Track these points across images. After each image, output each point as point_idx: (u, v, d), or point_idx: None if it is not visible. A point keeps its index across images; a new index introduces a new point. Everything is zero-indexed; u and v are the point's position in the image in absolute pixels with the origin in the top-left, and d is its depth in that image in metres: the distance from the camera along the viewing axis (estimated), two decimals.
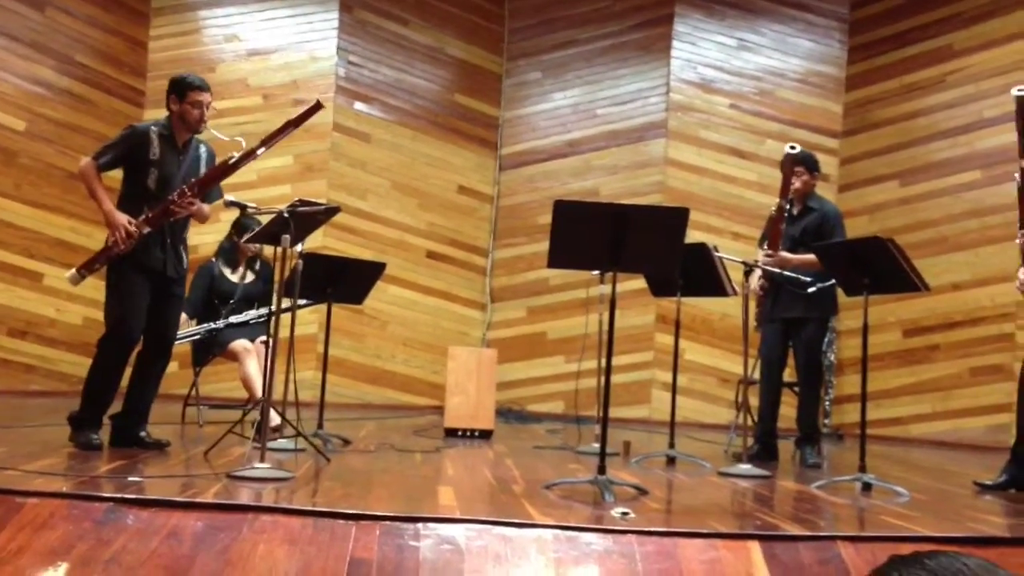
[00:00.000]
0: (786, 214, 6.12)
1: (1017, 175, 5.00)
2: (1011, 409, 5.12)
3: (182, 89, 4.98)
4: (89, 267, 4.87)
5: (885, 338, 8.97)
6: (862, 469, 4.83)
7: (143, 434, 5.01)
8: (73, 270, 4.91)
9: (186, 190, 4.88)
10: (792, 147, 6.00)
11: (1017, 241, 5.02)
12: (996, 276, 8.24)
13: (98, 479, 3.80)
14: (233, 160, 4.99)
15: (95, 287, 4.95)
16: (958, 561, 0.99)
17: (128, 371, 5.05)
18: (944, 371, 8.81)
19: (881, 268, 4.86)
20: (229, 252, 6.70)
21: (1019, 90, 5.02)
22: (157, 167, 4.91)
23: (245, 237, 6.35)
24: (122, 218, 4.77)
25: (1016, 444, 5.03)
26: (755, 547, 3.17)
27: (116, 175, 5.01)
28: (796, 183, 6.13)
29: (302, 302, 6.20)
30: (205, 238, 8.50)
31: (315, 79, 9.72)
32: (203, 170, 5.09)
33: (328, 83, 9.69)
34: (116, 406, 5.02)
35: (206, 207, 5.06)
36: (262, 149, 5.03)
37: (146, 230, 4.81)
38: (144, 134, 4.93)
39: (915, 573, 0.99)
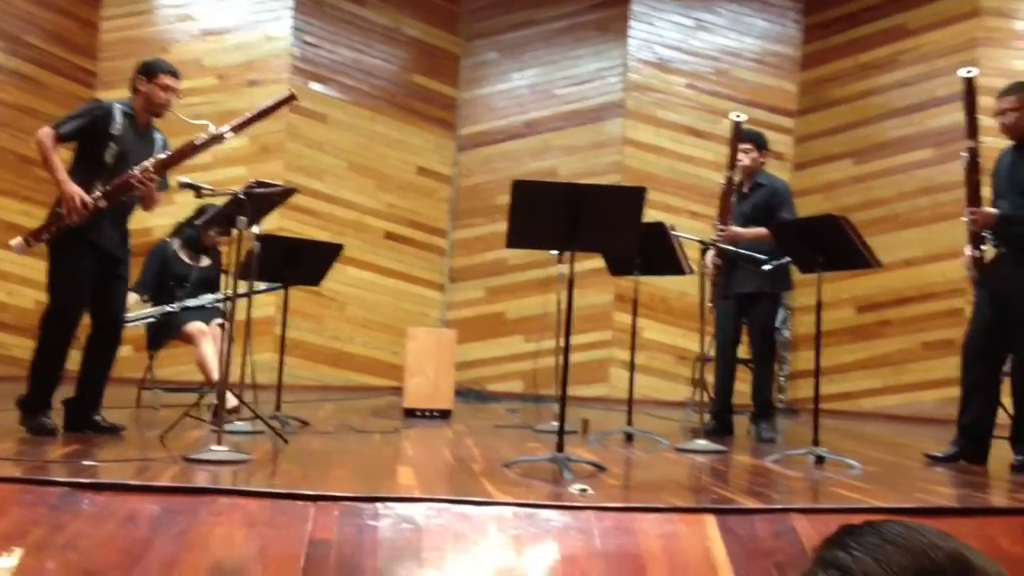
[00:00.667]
0: (737, 191, 6.19)
1: (965, 154, 5.09)
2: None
3: (153, 70, 4.92)
4: (37, 236, 4.73)
5: (838, 314, 9.08)
6: (815, 443, 4.90)
7: (98, 418, 4.96)
8: (19, 238, 4.76)
9: (148, 167, 4.82)
10: (737, 115, 6.06)
11: (964, 219, 5.11)
12: (947, 252, 8.36)
13: (52, 463, 3.77)
14: (200, 142, 4.93)
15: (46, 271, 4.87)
16: (913, 530, 1.00)
17: (79, 355, 4.99)
18: (896, 346, 8.94)
19: (834, 246, 4.92)
20: (193, 239, 6.61)
21: (967, 71, 5.10)
22: (117, 143, 4.82)
23: (203, 220, 6.30)
24: (77, 189, 4.66)
25: (960, 416, 5.13)
26: (711, 521, 3.21)
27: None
28: (745, 160, 6.20)
29: (261, 287, 6.16)
30: (160, 220, 8.39)
31: (270, 59, 9.63)
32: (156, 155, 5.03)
33: (284, 63, 9.60)
34: (69, 390, 4.96)
35: (158, 195, 5.00)
36: (230, 134, 4.98)
37: (102, 204, 4.73)
38: (109, 108, 4.85)
39: (868, 541, 1.00)
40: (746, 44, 10.01)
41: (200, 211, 6.50)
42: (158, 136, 5.09)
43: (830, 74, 9.76)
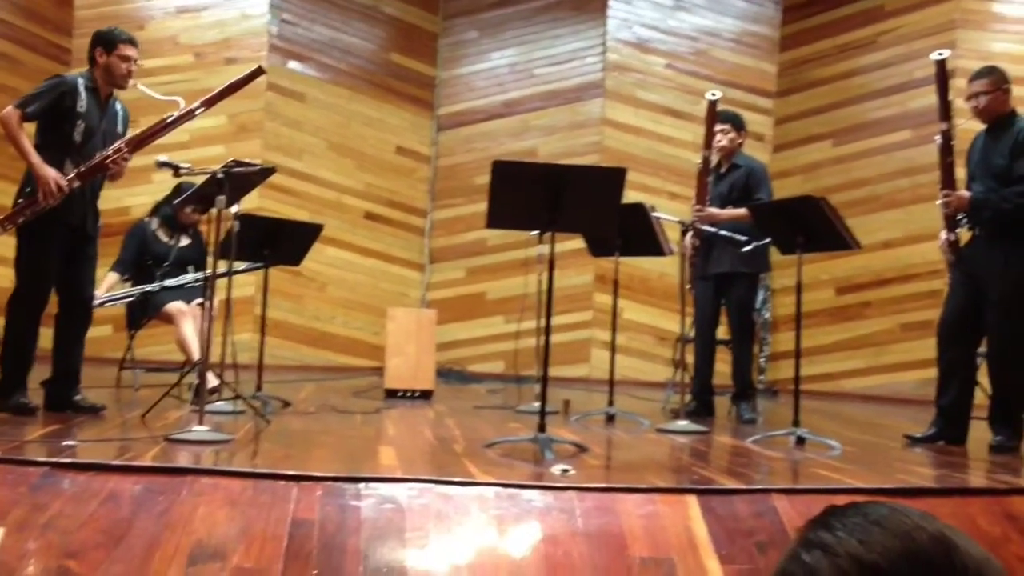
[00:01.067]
0: (712, 173, 6.21)
1: (938, 137, 5.12)
2: None
3: (111, 41, 4.85)
4: (12, 220, 4.68)
5: (819, 295, 9.12)
6: (796, 424, 4.93)
7: (77, 398, 4.93)
8: None
9: (123, 147, 4.77)
10: (713, 94, 6.06)
11: (938, 202, 5.15)
12: (927, 234, 8.37)
13: (32, 443, 3.75)
14: (171, 118, 4.89)
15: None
16: (897, 511, 1.01)
17: (51, 335, 4.95)
18: (876, 327, 8.99)
19: (814, 227, 4.94)
20: (171, 218, 6.57)
21: (938, 54, 5.13)
22: (85, 120, 4.77)
23: (179, 199, 6.26)
24: (52, 172, 4.61)
25: (938, 397, 5.18)
26: (692, 501, 3.23)
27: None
28: (723, 141, 6.21)
29: (241, 266, 6.13)
30: (138, 199, 8.34)
31: (247, 37, 9.54)
32: (119, 128, 4.99)
33: (261, 42, 9.52)
34: (45, 371, 4.93)
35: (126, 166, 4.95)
36: (201, 109, 4.94)
37: (76, 184, 4.69)
38: (73, 84, 4.78)
39: (853, 522, 1.01)
40: (725, 24, 9.99)
41: (177, 190, 6.47)
42: (119, 107, 5.04)
43: (809, 55, 9.76)
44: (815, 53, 9.71)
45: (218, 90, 4.96)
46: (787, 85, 9.85)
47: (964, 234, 5.17)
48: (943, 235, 5.17)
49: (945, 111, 5.08)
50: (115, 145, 4.78)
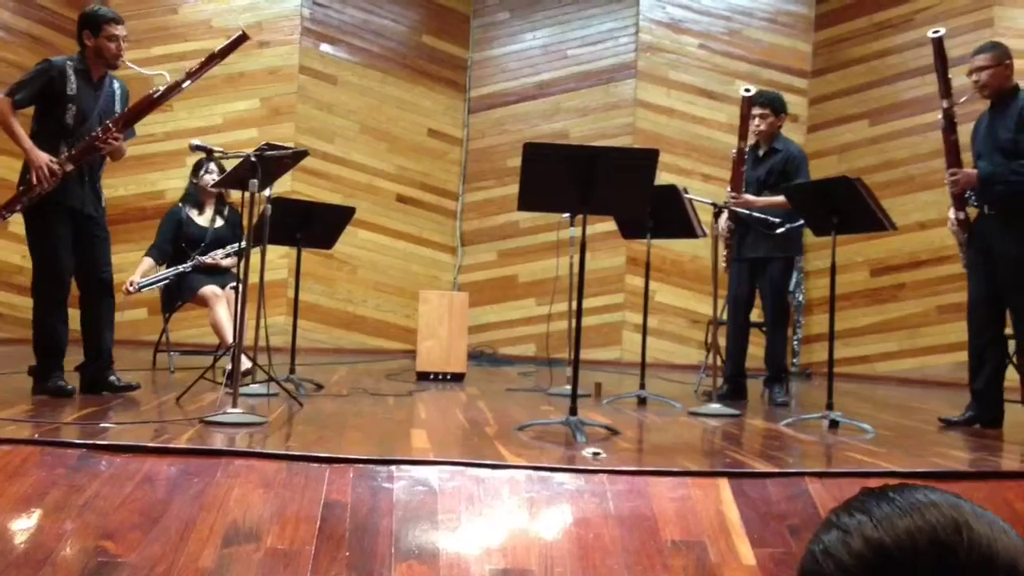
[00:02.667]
0: (750, 155, 6.18)
1: (940, 116, 5.10)
2: None
3: (97, 23, 4.84)
4: (10, 208, 4.72)
5: (853, 277, 9.05)
6: (829, 407, 4.90)
7: (113, 378, 4.99)
8: None
9: (111, 126, 4.79)
10: (747, 90, 6.02)
11: (945, 181, 5.11)
12: None
13: (69, 425, 3.80)
14: (158, 94, 4.89)
15: None
16: (924, 495, 1.00)
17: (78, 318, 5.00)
18: (911, 309, 8.91)
19: (849, 208, 4.90)
20: (193, 195, 6.65)
21: (934, 32, 5.10)
22: (75, 103, 4.78)
23: (212, 180, 6.30)
24: (44, 156, 4.64)
25: (971, 380, 5.14)
26: (724, 484, 3.22)
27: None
28: (761, 125, 6.16)
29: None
30: (172, 183, 8.41)
31: (280, 20, 9.56)
32: (117, 106, 4.99)
33: (293, 24, 9.54)
34: (79, 356, 4.99)
35: (124, 145, 4.97)
36: (187, 82, 4.93)
37: (69, 167, 4.71)
38: (61, 68, 4.78)
39: (874, 502, 1.01)
40: (759, 3, 9.89)
41: (196, 167, 6.55)
42: (116, 86, 5.04)
43: (845, 34, 9.65)
44: (850, 32, 9.60)
45: (202, 61, 4.93)
46: (822, 65, 9.75)
47: (972, 212, 5.14)
48: (951, 215, 5.16)
49: (946, 88, 5.08)
50: (104, 124, 4.79)
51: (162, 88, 4.87)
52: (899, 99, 9.16)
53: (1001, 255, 4.92)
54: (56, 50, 9.01)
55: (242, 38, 4.94)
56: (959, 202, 5.10)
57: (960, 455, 4.16)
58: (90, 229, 4.91)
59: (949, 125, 5.07)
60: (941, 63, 5.06)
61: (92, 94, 4.88)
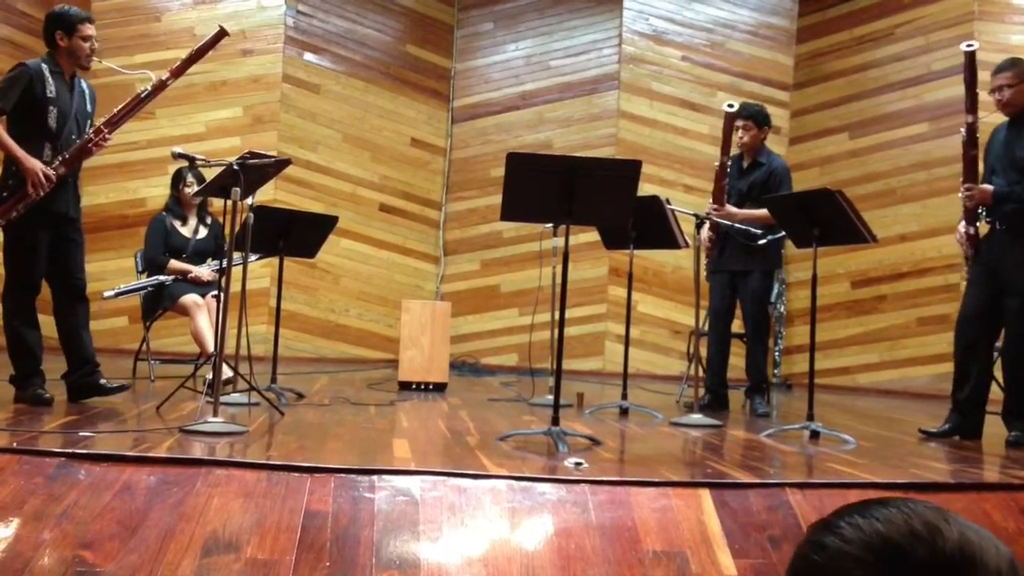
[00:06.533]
0: (735, 166, 6.20)
1: (963, 130, 5.07)
2: None
3: (71, 23, 4.82)
4: (5, 215, 4.67)
5: (834, 289, 9.09)
6: (810, 418, 4.92)
7: (103, 381, 4.96)
8: None
9: (103, 128, 4.77)
10: (730, 105, 6.03)
11: (960, 195, 5.10)
12: (943, 227, 8.35)
13: (49, 434, 3.77)
14: (145, 94, 4.89)
15: None
16: (906, 507, 1.01)
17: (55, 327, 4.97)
18: (891, 321, 8.96)
19: (830, 220, 4.92)
20: (175, 205, 6.63)
21: (967, 45, 5.06)
22: (56, 104, 4.75)
23: (195, 190, 6.28)
24: (38, 164, 4.61)
25: (954, 392, 5.15)
26: (706, 495, 3.23)
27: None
28: (745, 137, 6.19)
29: (253, 257, 6.14)
30: (153, 191, 8.38)
31: (263, 29, 9.54)
32: (88, 107, 4.97)
33: (277, 33, 9.52)
34: (61, 365, 4.96)
35: None
36: (171, 80, 4.96)
37: (62, 171, 4.69)
38: (38, 71, 4.74)
39: (850, 514, 1.02)
40: (741, 16, 9.94)
41: (176, 176, 6.54)
42: (85, 86, 5.02)
43: (826, 47, 9.71)
44: (832, 45, 9.67)
45: (183, 58, 4.96)
46: (803, 77, 9.81)
47: (983, 228, 5.14)
48: (961, 228, 5.13)
49: (972, 103, 4.99)
50: (96, 126, 4.78)
51: (149, 87, 4.87)
52: (880, 112, 9.22)
53: (1008, 268, 4.93)
54: (38, 56, 8.98)
55: (221, 33, 5.03)
56: (971, 216, 5.10)
57: (940, 466, 4.18)
58: (68, 233, 4.87)
59: (971, 140, 5.01)
60: (971, 77, 4.99)
61: (68, 95, 4.85)
